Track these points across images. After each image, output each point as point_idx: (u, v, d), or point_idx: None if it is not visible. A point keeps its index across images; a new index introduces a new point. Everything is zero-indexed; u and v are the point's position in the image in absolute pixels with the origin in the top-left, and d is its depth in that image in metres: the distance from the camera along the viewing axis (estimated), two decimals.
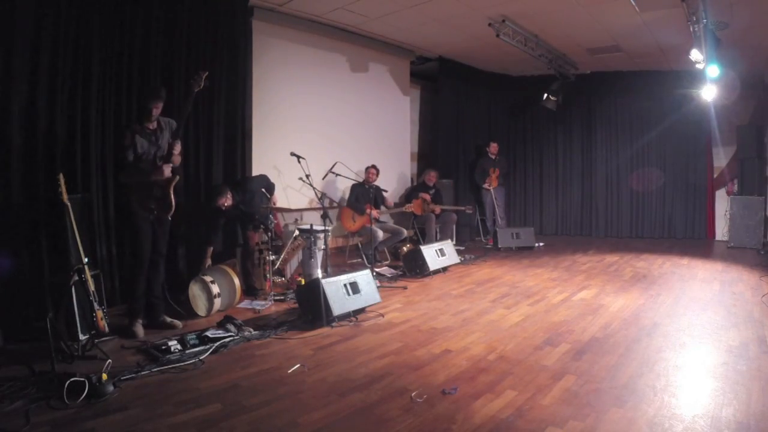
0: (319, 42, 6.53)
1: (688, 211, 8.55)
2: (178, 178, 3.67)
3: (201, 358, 3.13)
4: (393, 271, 5.88)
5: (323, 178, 6.40)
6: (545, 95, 8.21)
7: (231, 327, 3.57)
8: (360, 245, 6.36)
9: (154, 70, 4.51)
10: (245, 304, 4.48)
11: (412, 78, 8.28)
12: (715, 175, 8.45)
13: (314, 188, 5.12)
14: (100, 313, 3.27)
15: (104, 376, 2.65)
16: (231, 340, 3.43)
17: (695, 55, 5.43)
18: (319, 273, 4.67)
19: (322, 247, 4.88)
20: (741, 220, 7.59)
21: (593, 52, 7.49)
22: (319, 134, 6.56)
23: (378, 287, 4.48)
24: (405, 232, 6.42)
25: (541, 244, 7.93)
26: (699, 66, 5.70)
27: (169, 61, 4.65)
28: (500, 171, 8.36)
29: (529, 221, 9.37)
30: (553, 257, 6.97)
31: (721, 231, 8.23)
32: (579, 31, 6.51)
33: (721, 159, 8.39)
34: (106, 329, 3.34)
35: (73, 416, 2.39)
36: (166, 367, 2.98)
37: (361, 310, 4.15)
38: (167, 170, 3.61)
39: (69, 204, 3.33)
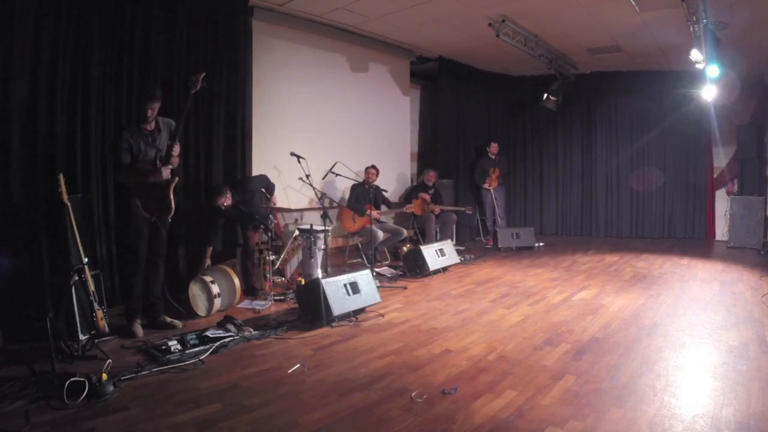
0: (319, 42, 6.53)
1: (688, 211, 8.55)
2: (177, 179, 3.67)
3: (201, 358, 3.13)
4: (393, 271, 5.88)
5: (323, 178, 6.41)
6: (545, 95, 8.22)
7: (231, 327, 3.57)
8: (360, 245, 6.36)
9: (154, 70, 4.51)
10: (245, 304, 4.48)
11: (412, 78, 8.28)
12: (715, 175, 8.45)
13: (314, 188, 5.12)
14: (100, 313, 3.28)
15: (104, 376, 2.65)
16: (231, 340, 3.43)
17: (695, 55, 5.43)
18: (319, 273, 4.67)
19: (322, 247, 4.88)
20: (741, 220, 7.58)
21: (593, 52, 7.49)
22: (319, 134, 6.57)
23: (378, 287, 4.48)
24: (405, 232, 6.42)
25: (541, 244, 7.93)
26: (699, 66, 5.70)
27: (169, 61, 4.65)
28: (500, 171, 8.36)
29: (529, 221, 9.37)
30: (553, 257, 6.97)
31: (721, 231, 8.22)
32: (579, 31, 6.51)
33: (721, 159, 8.39)
34: (106, 329, 3.35)
35: (73, 416, 2.39)
36: (166, 367, 2.98)
37: (361, 310, 4.15)
38: (166, 172, 3.60)
39: (69, 204, 3.33)
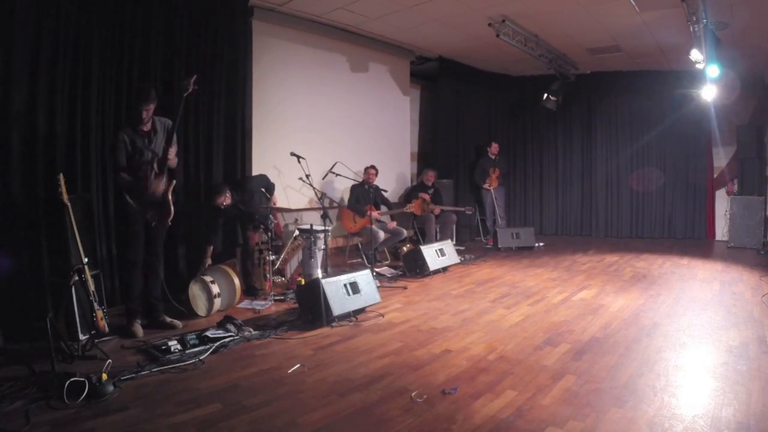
0: (319, 42, 6.53)
1: (688, 211, 8.55)
2: (174, 182, 3.66)
3: (201, 358, 3.13)
4: (393, 271, 5.88)
5: (323, 178, 6.41)
6: (545, 95, 8.22)
7: (231, 327, 3.57)
8: (360, 245, 6.36)
9: (154, 71, 4.52)
10: (245, 304, 4.48)
11: (412, 78, 8.28)
12: (715, 175, 8.45)
13: (314, 188, 5.12)
14: (100, 313, 3.28)
15: (104, 376, 2.65)
16: (231, 340, 3.43)
17: (695, 55, 5.43)
18: (319, 273, 4.67)
19: (322, 247, 4.88)
20: (741, 220, 7.58)
21: (593, 52, 7.49)
22: (319, 134, 6.57)
23: (378, 287, 4.48)
24: (405, 233, 6.42)
25: (541, 244, 7.93)
26: (699, 66, 5.70)
27: (169, 62, 4.64)
28: (500, 171, 8.36)
29: (529, 221, 9.37)
30: (553, 257, 6.97)
31: (721, 231, 8.22)
32: (579, 31, 6.51)
33: (721, 159, 8.39)
34: (106, 329, 3.35)
35: (73, 416, 2.40)
36: (166, 367, 2.98)
37: (361, 310, 4.15)
38: (160, 186, 3.58)
39: (69, 204, 3.33)
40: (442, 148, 8.46)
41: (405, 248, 6.26)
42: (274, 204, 5.12)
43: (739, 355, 3.17)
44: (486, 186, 8.29)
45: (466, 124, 8.81)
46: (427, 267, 5.61)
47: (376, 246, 6.05)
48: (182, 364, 3.04)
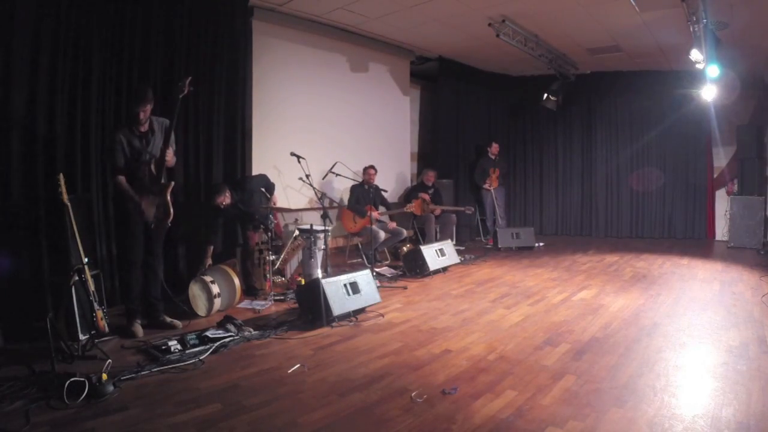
0: (319, 42, 6.53)
1: (688, 211, 8.55)
2: (173, 183, 3.65)
3: (201, 358, 3.13)
4: (393, 271, 5.88)
5: (323, 178, 6.40)
6: (545, 95, 8.22)
7: (231, 327, 3.57)
8: (360, 245, 6.36)
9: (154, 70, 4.52)
10: (245, 304, 4.48)
11: (412, 78, 8.28)
12: (715, 175, 8.45)
13: (314, 188, 5.12)
14: (100, 313, 3.28)
15: (104, 376, 2.64)
16: (231, 340, 3.43)
17: (695, 55, 5.43)
18: (319, 273, 4.67)
19: (322, 247, 4.88)
20: (741, 220, 7.58)
21: (593, 52, 7.49)
22: (319, 134, 6.57)
23: (378, 287, 4.48)
24: (405, 233, 6.42)
25: (541, 244, 7.92)
26: (699, 66, 5.70)
27: (169, 62, 4.65)
28: (500, 171, 8.36)
29: (529, 221, 9.37)
30: (553, 257, 6.97)
31: (721, 231, 8.22)
32: (579, 31, 6.51)
33: (721, 159, 8.39)
34: (106, 329, 3.35)
35: (73, 416, 2.39)
36: (166, 367, 2.98)
37: (361, 310, 4.15)
38: (150, 212, 3.56)
39: (69, 204, 3.33)
40: (442, 148, 8.46)
41: (405, 248, 6.26)
42: (274, 204, 5.13)
43: (739, 355, 3.17)
44: (486, 186, 8.29)
45: (466, 124, 8.81)
46: (427, 267, 5.61)
47: (376, 246, 6.05)
48: (182, 364, 3.03)
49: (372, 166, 6.43)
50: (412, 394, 2.65)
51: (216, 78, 5.09)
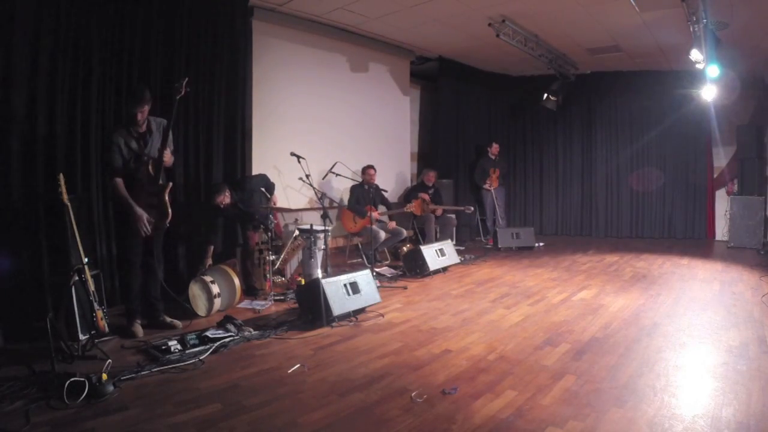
0: (319, 42, 6.53)
1: (688, 211, 8.55)
2: (171, 184, 3.65)
3: (201, 358, 3.13)
4: (393, 271, 5.88)
5: (323, 178, 6.41)
6: (545, 95, 8.22)
7: (231, 327, 3.57)
8: (360, 245, 6.36)
9: (154, 70, 4.52)
10: (245, 304, 4.48)
11: (412, 78, 8.28)
12: (715, 175, 8.45)
13: (314, 188, 5.12)
14: (100, 313, 3.28)
15: (104, 376, 2.64)
16: (231, 340, 3.43)
17: (695, 55, 5.43)
18: (319, 273, 4.67)
19: (322, 247, 4.88)
20: (741, 220, 7.58)
21: (593, 52, 7.49)
22: (319, 134, 6.57)
23: (378, 287, 4.48)
24: (405, 233, 6.42)
25: (541, 244, 7.93)
26: (699, 66, 5.70)
27: (169, 62, 4.65)
28: (500, 171, 8.36)
29: (529, 221, 9.37)
30: (553, 257, 6.97)
31: (721, 231, 8.22)
32: (579, 31, 6.52)
33: (721, 159, 8.39)
34: (106, 329, 3.35)
35: (73, 416, 2.39)
36: (166, 367, 2.98)
37: (361, 310, 4.15)
38: (149, 214, 3.56)
39: (69, 204, 3.33)
40: (442, 148, 8.46)
41: (405, 248, 6.26)
42: (274, 204, 5.13)
43: (739, 355, 3.17)
44: (486, 186, 8.30)
45: (466, 124, 8.81)
46: (427, 267, 5.60)
47: (376, 246, 6.05)
48: (182, 364, 3.03)
49: (371, 166, 6.40)
50: (412, 394, 2.65)
51: (216, 78, 5.09)
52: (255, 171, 5.50)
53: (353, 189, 6.31)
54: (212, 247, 4.64)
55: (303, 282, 4.36)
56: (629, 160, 8.86)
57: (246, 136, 5.46)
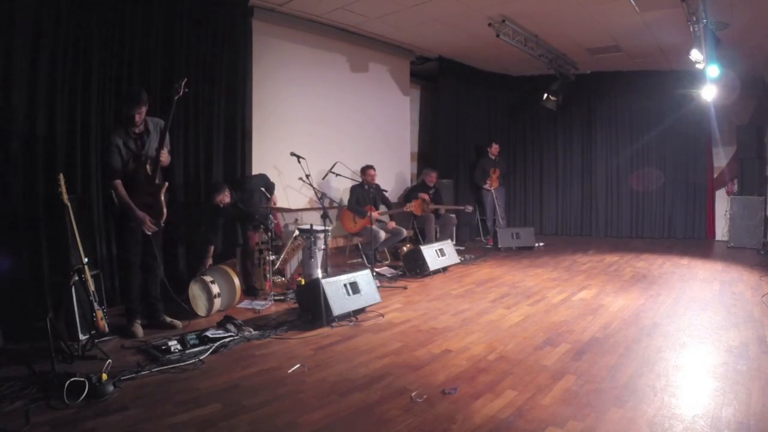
0: (319, 42, 6.53)
1: (688, 211, 8.55)
2: (167, 184, 3.64)
3: (201, 358, 3.13)
4: (393, 271, 5.88)
5: (323, 178, 6.40)
6: (545, 95, 8.22)
7: (231, 327, 3.57)
8: (360, 245, 6.36)
9: (154, 71, 4.52)
10: (245, 304, 4.48)
11: (412, 78, 8.28)
12: (715, 175, 8.45)
13: (314, 188, 5.12)
14: (100, 313, 3.28)
15: (104, 376, 2.64)
16: (231, 340, 3.43)
17: (695, 55, 5.43)
18: (319, 273, 4.67)
19: (322, 247, 4.88)
20: (741, 220, 7.58)
21: (593, 52, 7.49)
22: (319, 134, 6.57)
23: (378, 287, 4.48)
24: (405, 233, 6.42)
25: (541, 244, 7.93)
26: (699, 66, 5.70)
27: (169, 61, 4.65)
28: (500, 171, 8.36)
29: (529, 221, 9.37)
30: (553, 257, 6.97)
31: (721, 231, 8.22)
32: (579, 31, 6.51)
33: (721, 159, 8.38)
34: (106, 329, 3.35)
35: (73, 416, 2.39)
36: (166, 367, 2.98)
37: (361, 310, 4.15)
38: (149, 227, 3.56)
39: (69, 204, 3.33)
40: (442, 148, 8.46)
41: (405, 248, 6.26)
42: (274, 204, 5.13)
43: (739, 355, 3.17)
44: (486, 186, 8.30)
45: (466, 124, 8.80)
46: (427, 267, 5.60)
47: (377, 246, 6.05)
48: (182, 364, 3.03)
49: (371, 167, 6.39)
50: (412, 394, 2.65)
51: (216, 78, 5.09)
52: (255, 171, 5.50)
53: (353, 189, 6.31)
54: (212, 247, 4.64)
55: (303, 282, 4.36)
56: (629, 160, 8.86)
57: (246, 136, 5.46)
